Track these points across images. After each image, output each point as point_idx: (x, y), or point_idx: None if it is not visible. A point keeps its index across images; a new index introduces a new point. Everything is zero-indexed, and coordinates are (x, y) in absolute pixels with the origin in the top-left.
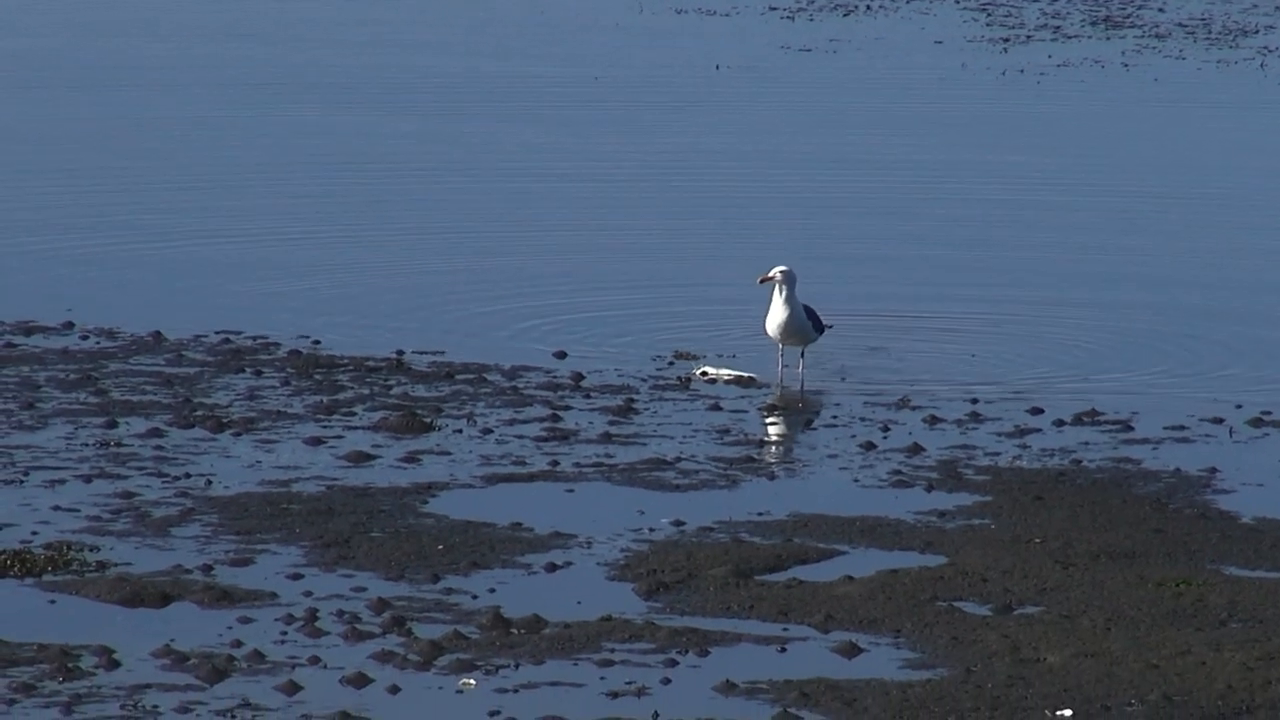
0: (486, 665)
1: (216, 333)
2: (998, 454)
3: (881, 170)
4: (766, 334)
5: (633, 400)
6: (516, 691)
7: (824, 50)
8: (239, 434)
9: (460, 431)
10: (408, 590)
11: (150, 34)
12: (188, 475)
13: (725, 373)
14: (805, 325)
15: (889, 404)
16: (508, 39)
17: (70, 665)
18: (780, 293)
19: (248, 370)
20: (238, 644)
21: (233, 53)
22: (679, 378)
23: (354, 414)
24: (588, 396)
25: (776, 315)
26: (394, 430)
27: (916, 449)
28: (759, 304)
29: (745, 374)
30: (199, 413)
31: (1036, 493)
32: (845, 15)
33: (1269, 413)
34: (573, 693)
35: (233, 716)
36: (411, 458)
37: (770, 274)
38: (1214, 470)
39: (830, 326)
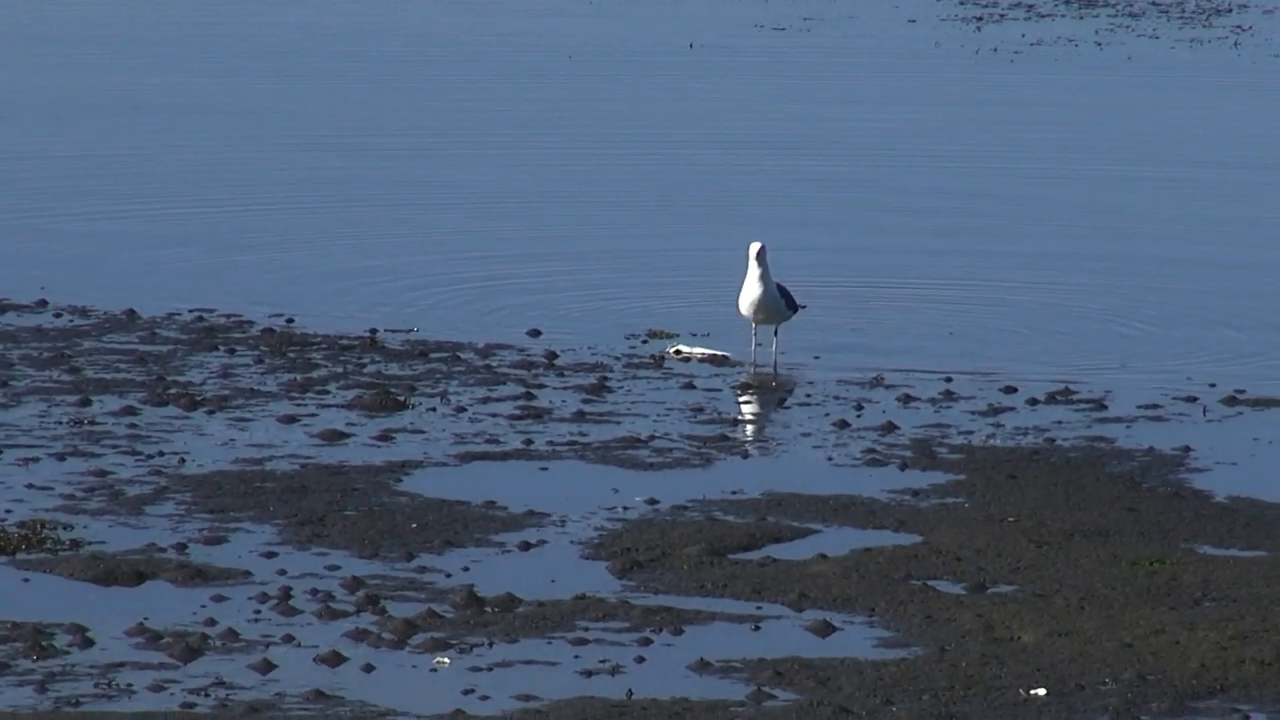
0: (460, 644)
1: (190, 310)
2: (971, 432)
3: (856, 147)
4: (740, 312)
5: (606, 379)
6: (490, 670)
7: (798, 29)
8: (212, 412)
9: (434, 410)
10: (381, 569)
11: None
12: (161, 453)
13: (699, 351)
14: (779, 303)
15: (863, 382)
16: (483, 15)
17: (44, 644)
18: (755, 269)
19: (221, 348)
20: (211, 622)
21: (201, 18)
22: (652, 356)
23: (328, 392)
24: (561, 375)
25: (751, 293)
26: (368, 408)
27: (890, 428)
28: (733, 283)
29: (719, 352)
30: (172, 391)
31: (1010, 471)
32: None
33: (1243, 391)
34: (547, 671)
35: (207, 695)
36: (385, 436)
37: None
38: (1188, 449)
39: (804, 307)
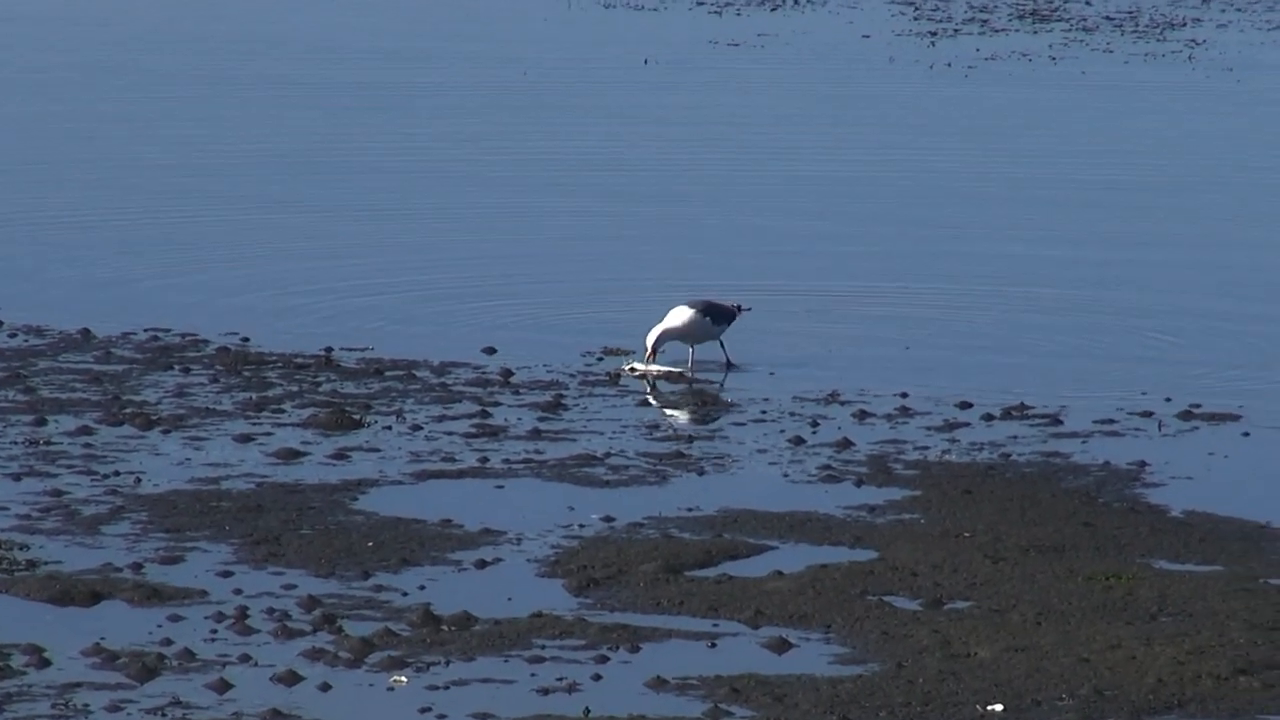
0: (417, 662)
1: (145, 330)
2: (927, 448)
3: (808, 162)
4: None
5: (562, 396)
6: (447, 688)
7: (752, 44)
8: (168, 431)
9: (389, 428)
10: (338, 588)
11: (72, 22)
12: (117, 473)
13: (654, 368)
14: (705, 325)
15: (818, 399)
16: (434, 34)
17: (0, 664)
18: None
19: (176, 367)
20: (168, 642)
21: (156, 43)
22: (608, 374)
23: (283, 411)
24: (517, 393)
25: (673, 329)
26: (323, 427)
27: (846, 444)
28: (688, 296)
29: (674, 369)
30: (128, 410)
31: (966, 487)
32: (772, 10)
33: (1198, 405)
34: (504, 689)
35: (163, 715)
36: (341, 455)
37: (639, 366)
38: (1143, 464)
39: (748, 309)
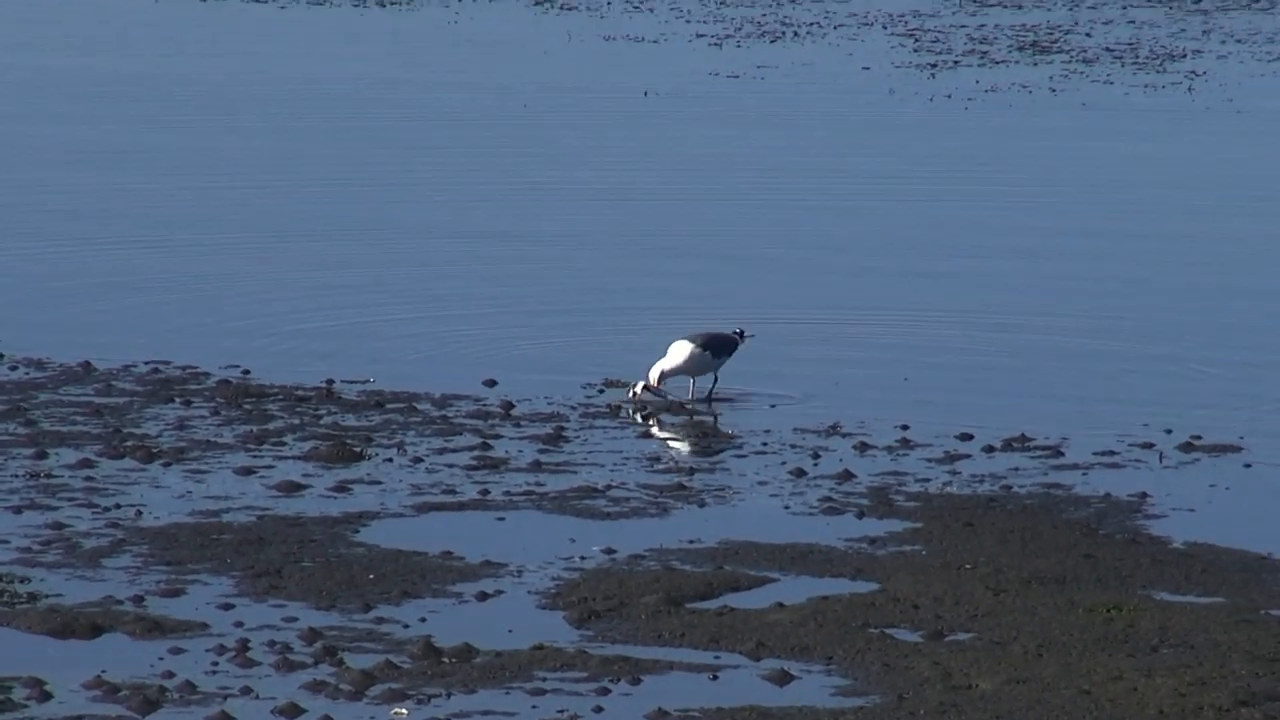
0: (418, 695)
1: (145, 363)
2: (928, 480)
3: (808, 193)
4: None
5: (563, 428)
6: None
7: (752, 76)
8: (169, 464)
9: (391, 460)
10: (339, 620)
11: (68, 47)
12: (118, 506)
13: (657, 399)
14: (704, 360)
15: (819, 430)
16: (435, 65)
17: (1, 697)
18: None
19: (177, 400)
20: (169, 675)
21: (151, 70)
22: (609, 406)
23: (284, 444)
24: (518, 425)
25: (673, 365)
26: (324, 460)
27: (847, 475)
28: (688, 328)
29: (675, 399)
30: (129, 443)
31: (967, 519)
32: (772, 42)
33: (1199, 437)
34: None
35: None
36: (342, 487)
37: (638, 391)
38: (1144, 495)
39: (752, 335)
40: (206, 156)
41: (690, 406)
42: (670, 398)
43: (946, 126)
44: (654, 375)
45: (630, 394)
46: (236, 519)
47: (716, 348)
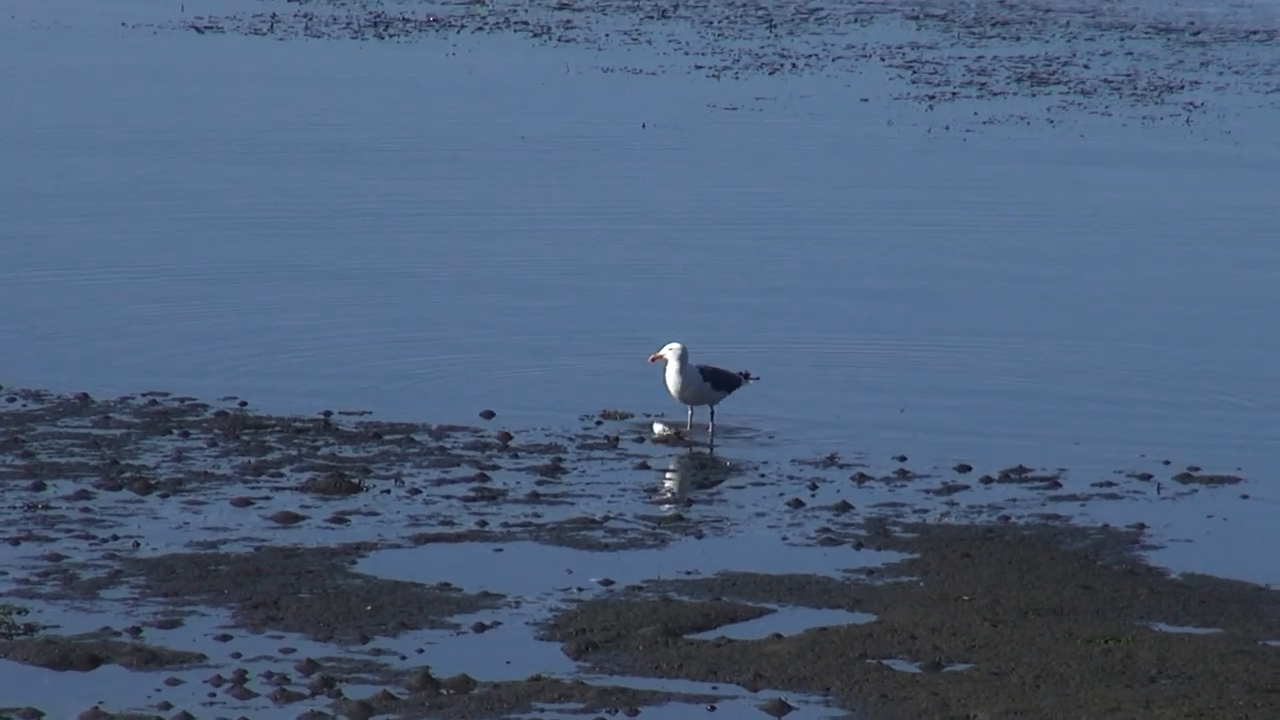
0: None
1: (143, 394)
2: (926, 511)
3: (803, 224)
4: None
5: (560, 460)
6: None
7: (750, 108)
8: (167, 496)
9: (388, 492)
10: (337, 651)
11: (81, 81)
12: (115, 537)
13: (659, 429)
14: (702, 389)
15: (817, 462)
16: (435, 98)
17: None
18: (673, 365)
19: (175, 432)
20: (166, 706)
21: (150, 108)
22: (607, 437)
23: (282, 475)
24: (515, 456)
25: (671, 383)
26: (322, 491)
27: (845, 507)
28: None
29: (673, 430)
30: (126, 474)
31: (965, 550)
32: (771, 74)
33: (1197, 469)
34: None
35: None
36: (339, 518)
37: (660, 353)
38: (1142, 526)
39: (754, 379)
40: (201, 194)
41: (688, 438)
42: (670, 429)
43: (944, 156)
44: (673, 394)
45: (659, 430)
46: (234, 550)
47: (717, 380)
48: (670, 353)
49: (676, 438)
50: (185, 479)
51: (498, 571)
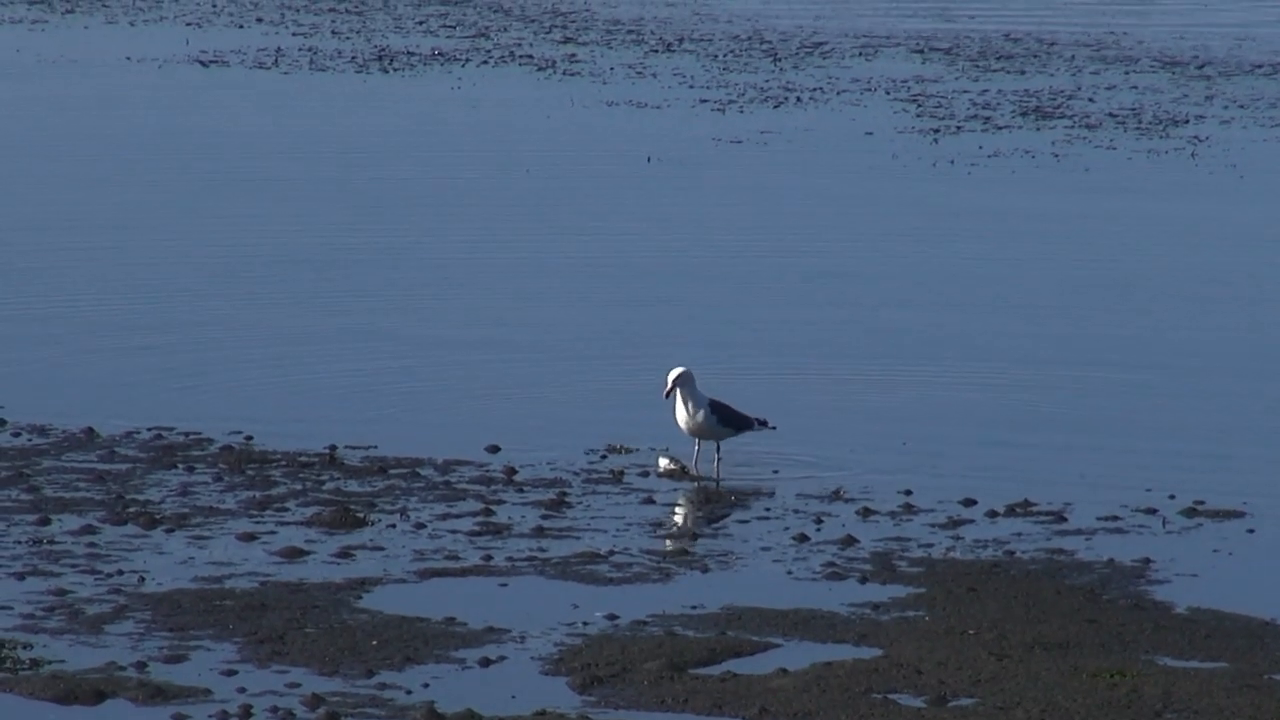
0: None
1: (149, 429)
2: (931, 545)
3: (807, 258)
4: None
5: (565, 494)
6: None
7: (755, 142)
8: (172, 530)
9: (394, 526)
10: (342, 686)
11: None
12: (121, 572)
13: (664, 463)
14: (710, 422)
15: (822, 496)
16: (438, 130)
17: None
18: (677, 394)
19: (180, 466)
20: None
21: (151, 142)
22: (612, 471)
23: (287, 509)
24: (520, 490)
25: (680, 416)
26: (327, 526)
27: (850, 541)
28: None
29: (678, 465)
30: (132, 509)
31: (970, 584)
32: (776, 107)
33: (1202, 502)
34: None
35: None
36: (345, 553)
37: (669, 385)
38: (1148, 561)
39: (769, 426)
40: (206, 220)
41: (695, 473)
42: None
43: (949, 189)
44: (681, 427)
45: (664, 466)
46: (239, 585)
47: (725, 417)
48: (676, 378)
49: (682, 473)
50: (190, 514)
51: (503, 606)
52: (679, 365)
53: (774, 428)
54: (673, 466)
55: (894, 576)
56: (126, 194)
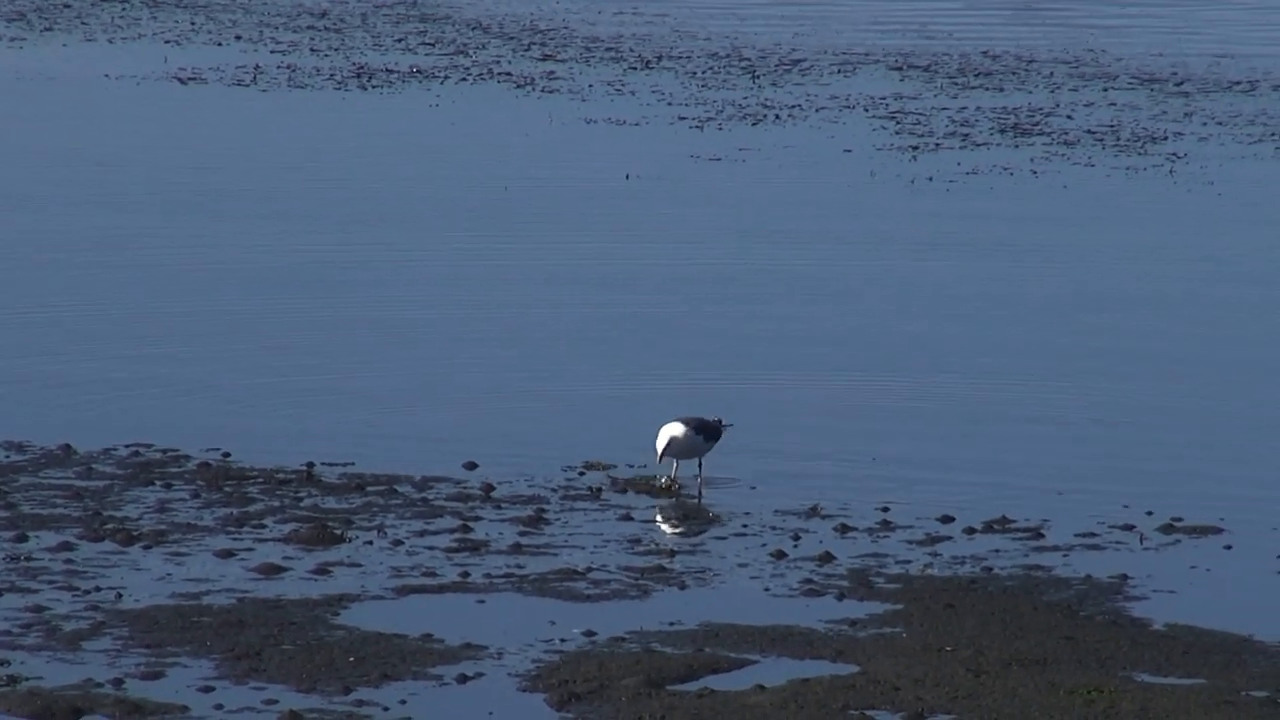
0: None
1: (126, 445)
2: (909, 562)
3: (783, 278)
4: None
5: (543, 510)
6: None
7: (733, 159)
8: (149, 547)
9: (371, 543)
10: (319, 702)
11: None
12: (98, 589)
13: (663, 480)
14: (696, 442)
15: (799, 512)
16: (416, 147)
17: None
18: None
19: (158, 483)
20: None
21: (131, 161)
22: (590, 488)
23: (264, 526)
24: (498, 507)
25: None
26: (305, 542)
27: (827, 557)
28: (667, 412)
29: (663, 481)
30: (109, 526)
31: (948, 600)
32: (754, 124)
33: (1180, 519)
34: None
35: None
36: (322, 570)
37: (672, 477)
38: (1125, 577)
39: (730, 425)
40: (181, 245)
41: (674, 489)
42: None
43: (926, 206)
44: (661, 447)
45: (665, 480)
46: (217, 601)
47: (707, 432)
48: (671, 434)
49: (667, 489)
50: (168, 530)
51: (480, 623)
52: (668, 427)
53: (731, 424)
54: (662, 483)
55: (871, 593)
56: (103, 211)
